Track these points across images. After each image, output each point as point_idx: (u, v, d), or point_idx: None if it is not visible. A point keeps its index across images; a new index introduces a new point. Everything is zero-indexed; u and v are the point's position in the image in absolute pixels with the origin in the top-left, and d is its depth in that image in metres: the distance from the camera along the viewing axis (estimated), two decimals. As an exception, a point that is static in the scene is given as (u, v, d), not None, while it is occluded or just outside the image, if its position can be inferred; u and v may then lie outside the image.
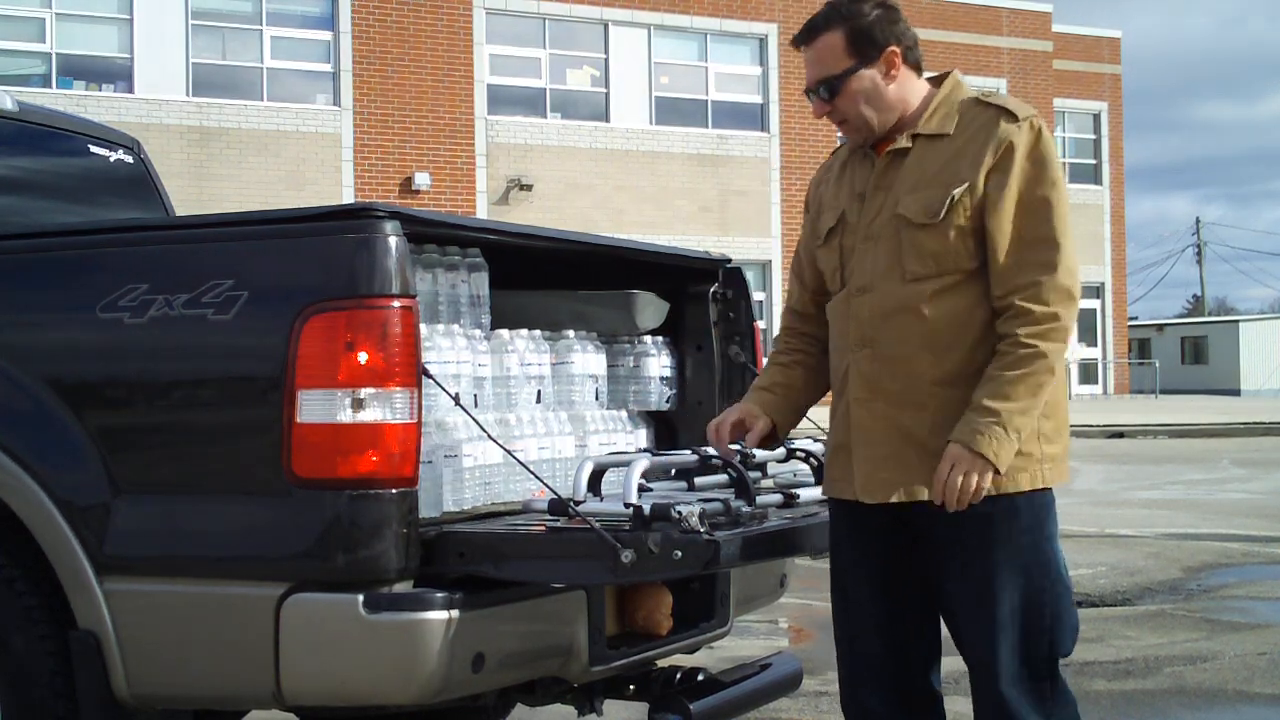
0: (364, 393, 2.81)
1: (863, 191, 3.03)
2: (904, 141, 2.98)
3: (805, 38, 3.02)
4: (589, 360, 3.76)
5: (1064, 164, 3.08)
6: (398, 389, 2.84)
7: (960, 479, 2.79)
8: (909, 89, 3.00)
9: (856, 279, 3.01)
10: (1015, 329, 2.82)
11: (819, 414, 3.35)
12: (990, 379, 2.81)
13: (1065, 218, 2.89)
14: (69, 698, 3.04)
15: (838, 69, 2.97)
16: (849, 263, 3.05)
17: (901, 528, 3.00)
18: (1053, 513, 2.97)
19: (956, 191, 2.88)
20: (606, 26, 26.21)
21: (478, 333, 3.41)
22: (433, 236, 3.30)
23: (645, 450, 3.73)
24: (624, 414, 3.92)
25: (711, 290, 4.09)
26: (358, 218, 2.90)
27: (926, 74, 3.07)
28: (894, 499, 2.94)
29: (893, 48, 2.96)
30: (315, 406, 2.82)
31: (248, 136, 23.14)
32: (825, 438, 3.21)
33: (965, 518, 2.86)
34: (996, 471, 2.79)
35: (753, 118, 27.41)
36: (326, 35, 24.00)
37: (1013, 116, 2.90)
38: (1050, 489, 2.95)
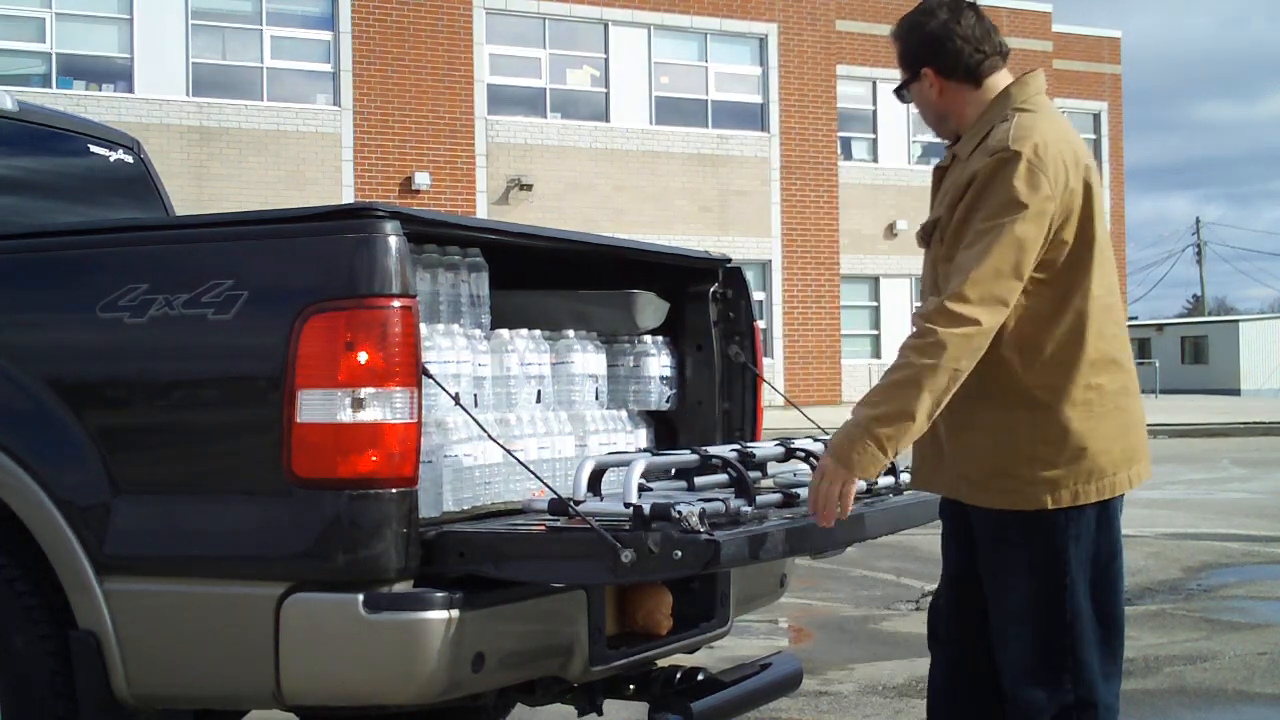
0: (364, 392, 2.81)
1: (931, 202, 3.22)
2: (946, 160, 3.15)
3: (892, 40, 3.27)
4: (589, 360, 3.76)
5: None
6: (398, 389, 2.84)
7: (825, 487, 2.90)
8: (961, 101, 3.11)
9: (921, 284, 3.27)
10: (907, 339, 2.91)
11: (818, 414, 3.38)
12: (873, 388, 2.92)
13: (996, 249, 2.84)
14: (69, 698, 3.04)
15: (900, 79, 3.22)
16: None
17: (962, 519, 3.19)
18: (1077, 531, 3.01)
19: (928, 223, 3.05)
20: (606, 26, 26.21)
21: (478, 333, 3.41)
22: (433, 236, 3.30)
23: (645, 450, 3.73)
24: (624, 414, 3.92)
25: (711, 290, 4.09)
26: (358, 217, 2.90)
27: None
28: (921, 488, 3.28)
29: (926, 69, 3.11)
30: (315, 406, 2.82)
31: (248, 136, 23.14)
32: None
33: (983, 522, 3.04)
34: (854, 477, 2.88)
35: (753, 118, 27.39)
36: (326, 35, 23.99)
37: (988, 149, 2.94)
38: (1075, 508, 2.99)
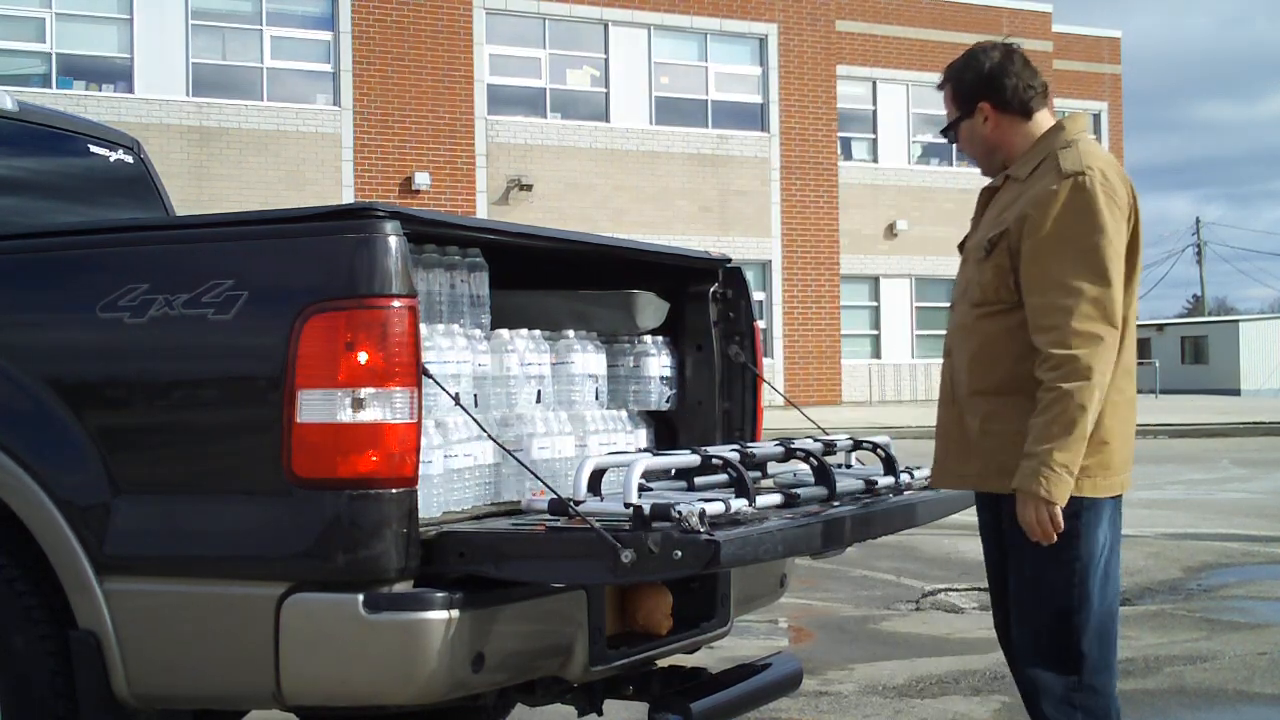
0: (364, 392, 2.81)
1: (975, 219, 3.47)
2: (998, 180, 3.40)
3: (938, 87, 3.51)
4: (589, 360, 3.76)
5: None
6: (398, 389, 2.84)
7: (1030, 515, 3.11)
8: (1012, 133, 3.37)
9: (953, 294, 3.48)
10: (1042, 374, 3.10)
11: (818, 414, 3.40)
12: (1032, 426, 3.11)
13: (1096, 263, 3.09)
14: (69, 698, 3.04)
15: (950, 117, 3.47)
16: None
17: (992, 511, 3.38)
18: (1089, 520, 3.20)
19: (994, 234, 3.23)
20: (606, 26, 26.21)
21: (478, 333, 3.41)
22: (433, 236, 3.30)
23: (645, 450, 3.73)
24: (624, 414, 3.92)
25: (711, 290, 4.09)
26: (358, 217, 2.90)
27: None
28: (951, 487, 3.46)
29: (983, 103, 3.35)
30: (315, 406, 2.82)
31: (248, 136, 23.14)
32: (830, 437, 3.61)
33: (1013, 510, 3.16)
34: (1054, 503, 3.08)
35: (753, 118, 27.40)
36: (326, 35, 24.00)
37: (1059, 172, 3.17)
38: (1091, 499, 3.18)
